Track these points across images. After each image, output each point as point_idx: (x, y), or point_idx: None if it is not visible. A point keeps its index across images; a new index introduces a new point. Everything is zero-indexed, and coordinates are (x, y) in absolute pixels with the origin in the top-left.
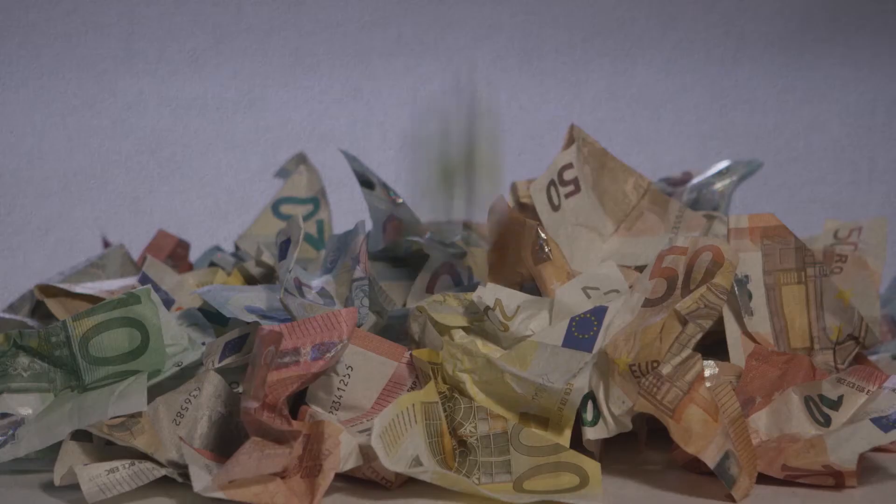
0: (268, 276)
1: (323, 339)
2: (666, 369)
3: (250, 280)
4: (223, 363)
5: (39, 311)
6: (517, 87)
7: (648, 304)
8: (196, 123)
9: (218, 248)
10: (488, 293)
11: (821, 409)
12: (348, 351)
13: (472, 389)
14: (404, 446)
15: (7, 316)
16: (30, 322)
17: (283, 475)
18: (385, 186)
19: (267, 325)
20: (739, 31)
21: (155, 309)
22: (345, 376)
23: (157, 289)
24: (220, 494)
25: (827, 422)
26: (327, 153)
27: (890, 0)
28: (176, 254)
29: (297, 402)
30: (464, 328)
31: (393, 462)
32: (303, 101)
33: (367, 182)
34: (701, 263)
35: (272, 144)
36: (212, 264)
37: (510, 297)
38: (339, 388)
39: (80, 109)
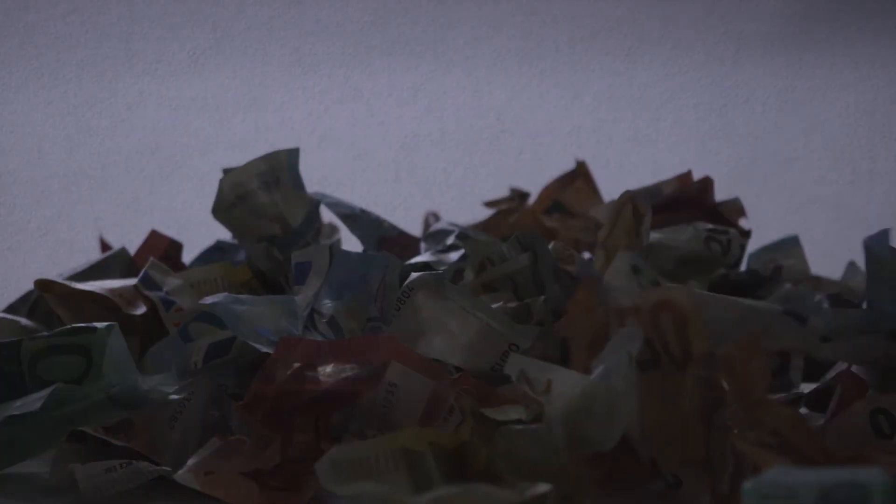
0: (274, 271)
1: (352, 361)
2: None
3: (259, 275)
4: (209, 364)
5: (39, 312)
6: (517, 87)
7: (645, 365)
8: (196, 123)
9: (220, 248)
10: (513, 363)
11: (893, 421)
12: (391, 367)
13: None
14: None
15: (6, 316)
16: (24, 322)
17: (266, 482)
18: (365, 212)
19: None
20: (739, 31)
21: (106, 346)
22: (389, 394)
23: (157, 289)
24: (193, 483)
25: (893, 434)
26: (327, 153)
27: (890, 0)
28: (168, 254)
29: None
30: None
31: (339, 487)
32: (303, 101)
33: (350, 216)
34: (665, 329)
35: (272, 144)
36: (216, 248)
37: (537, 369)
38: (383, 406)
39: (80, 109)
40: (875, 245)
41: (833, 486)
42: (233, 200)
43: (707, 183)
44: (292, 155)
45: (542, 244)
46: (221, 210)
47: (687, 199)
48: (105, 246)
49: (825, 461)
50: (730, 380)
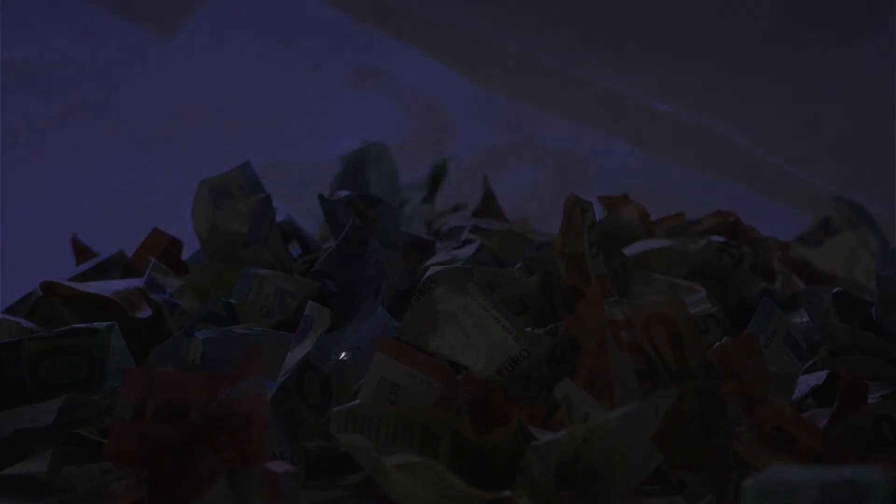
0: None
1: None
2: None
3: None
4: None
5: (39, 313)
6: (517, 87)
7: (640, 375)
8: (196, 123)
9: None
10: (562, 388)
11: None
12: (393, 368)
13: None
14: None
15: (6, 318)
16: (25, 323)
17: None
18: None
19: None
20: (739, 32)
21: (108, 348)
22: (391, 394)
23: (161, 292)
24: None
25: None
26: (327, 153)
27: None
28: (169, 252)
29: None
30: None
31: (341, 434)
32: (303, 101)
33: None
34: (659, 342)
35: (272, 144)
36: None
37: (582, 401)
38: None
39: (80, 109)
40: (887, 271)
41: (833, 485)
42: (212, 202)
43: (738, 223)
44: (246, 168)
45: (554, 268)
46: (198, 212)
47: (723, 234)
48: (78, 247)
49: (832, 458)
50: (728, 378)
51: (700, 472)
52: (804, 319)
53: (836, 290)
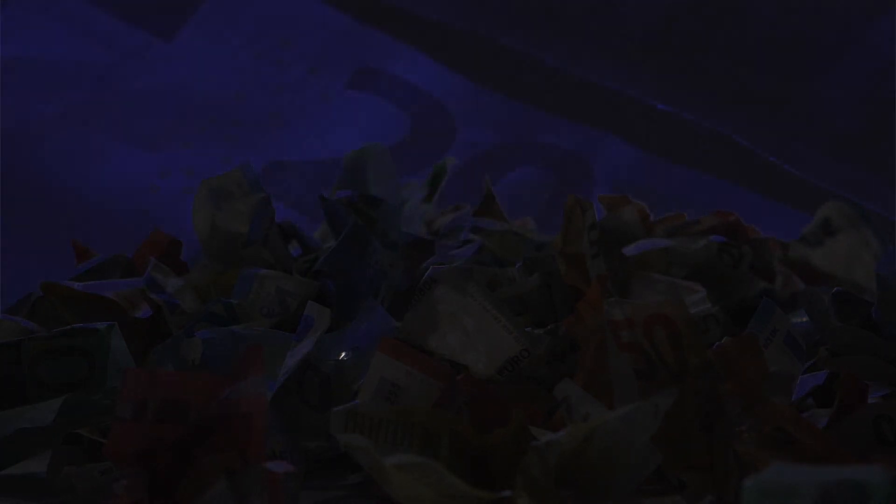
0: (272, 266)
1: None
2: None
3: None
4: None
5: (39, 313)
6: (517, 87)
7: (640, 375)
8: (196, 123)
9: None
10: (562, 388)
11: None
12: (393, 368)
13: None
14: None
15: (7, 318)
16: (25, 323)
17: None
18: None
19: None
20: (740, 32)
21: (108, 348)
22: (391, 394)
23: (161, 292)
24: None
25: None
26: (327, 153)
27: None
28: (169, 252)
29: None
30: None
31: (341, 434)
32: (302, 101)
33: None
34: (659, 342)
35: (272, 144)
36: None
37: (582, 401)
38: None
39: (80, 109)
40: (887, 271)
41: (833, 485)
42: (212, 202)
43: (738, 223)
44: (246, 168)
45: (554, 268)
46: (198, 212)
47: (723, 234)
48: (78, 247)
49: (832, 458)
50: (728, 378)
51: (700, 472)
52: (804, 319)
53: (836, 290)
